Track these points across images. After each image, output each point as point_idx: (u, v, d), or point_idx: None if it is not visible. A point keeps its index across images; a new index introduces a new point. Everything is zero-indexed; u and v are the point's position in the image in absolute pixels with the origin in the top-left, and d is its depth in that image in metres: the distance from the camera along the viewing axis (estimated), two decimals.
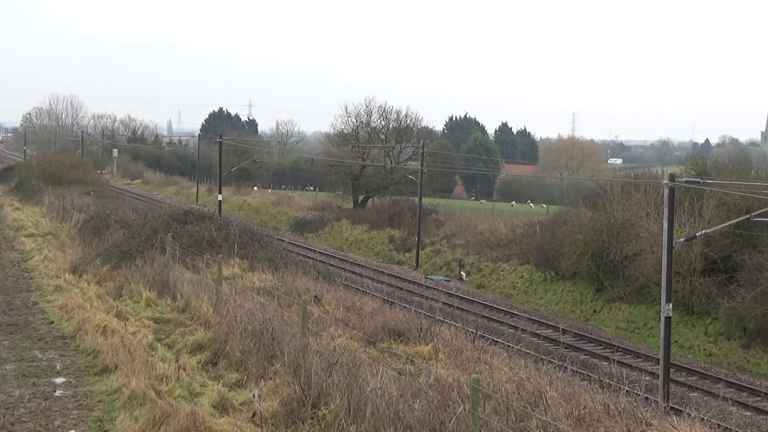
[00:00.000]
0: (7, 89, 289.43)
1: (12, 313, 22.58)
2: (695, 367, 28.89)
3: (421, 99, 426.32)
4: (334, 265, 44.59)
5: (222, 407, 13.56)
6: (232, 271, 25.04)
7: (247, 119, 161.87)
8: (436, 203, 67.52)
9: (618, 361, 26.69)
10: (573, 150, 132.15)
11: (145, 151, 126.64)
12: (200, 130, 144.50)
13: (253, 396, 13.65)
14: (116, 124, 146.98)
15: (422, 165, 56.17)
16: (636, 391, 14.41)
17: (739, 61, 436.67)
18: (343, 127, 74.25)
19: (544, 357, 23.32)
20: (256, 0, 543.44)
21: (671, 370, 24.74)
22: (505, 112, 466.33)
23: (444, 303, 35.46)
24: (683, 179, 26.38)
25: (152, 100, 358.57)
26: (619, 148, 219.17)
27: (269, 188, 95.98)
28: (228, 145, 75.57)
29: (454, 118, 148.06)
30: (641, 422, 12.54)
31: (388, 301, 28.44)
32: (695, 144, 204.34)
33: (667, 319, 23.27)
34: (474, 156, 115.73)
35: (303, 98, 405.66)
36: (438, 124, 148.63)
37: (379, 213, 61.79)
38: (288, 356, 14.81)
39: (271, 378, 14.47)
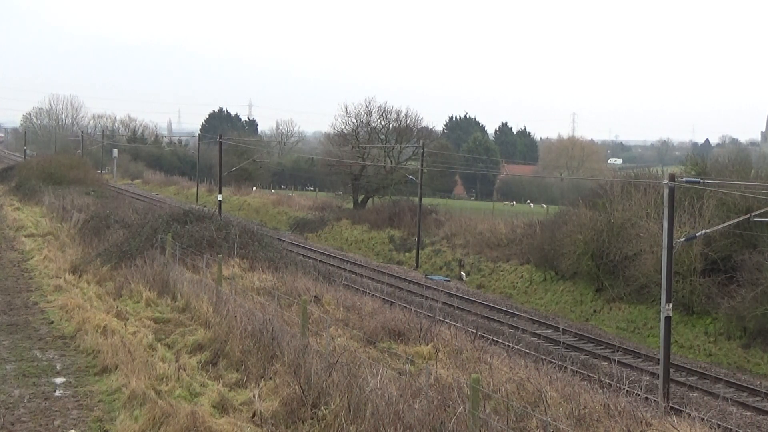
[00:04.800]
0: (7, 89, 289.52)
1: (12, 313, 22.59)
2: (695, 367, 28.89)
3: (421, 99, 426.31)
4: (334, 265, 44.58)
5: (222, 407, 13.56)
6: (232, 271, 25.03)
7: (247, 119, 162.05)
8: (436, 203, 67.53)
9: (618, 361, 26.68)
10: (573, 150, 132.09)
11: (145, 151, 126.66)
12: (200, 130, 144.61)
13: (253, 396, 13.65)
14: (116, 124, 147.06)
15: (422, 165, 56.18)
16: (636, 391, 14.40)
17: (739, 61, 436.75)
18: (343, 127, 74.35)
19: (544, 357, 23.32)
20: (257, 0, 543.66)
21: (671, 370, 24.74)
22: (505, 112, 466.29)
23: (444, 303, 35.46)
24: (683, 179, 26.39)
25: (152, 100, 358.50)
26: (619, 148, 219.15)
27: (269, 188, 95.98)
28: (228, 145, 75.55)
29: (454, 118, 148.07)
30: (641, 422, 12.54)
31: (388, 301, 28.44)
32: (695, 144, 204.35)
33: (667, 319, 23.27)
34: (474, 156, 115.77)
35: (303, 98, 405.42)
36: (438, 124, 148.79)
37: (379, 213, 61.79)
38: (288, 356, 14.82)
39: (271, 378, 14.47)
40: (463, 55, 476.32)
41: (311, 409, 12.69)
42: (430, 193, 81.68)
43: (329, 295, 22.82)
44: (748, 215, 25.55)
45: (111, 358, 16.66)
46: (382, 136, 72.40)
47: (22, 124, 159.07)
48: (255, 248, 29.09)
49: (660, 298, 24.38)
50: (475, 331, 21.28)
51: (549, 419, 11.46)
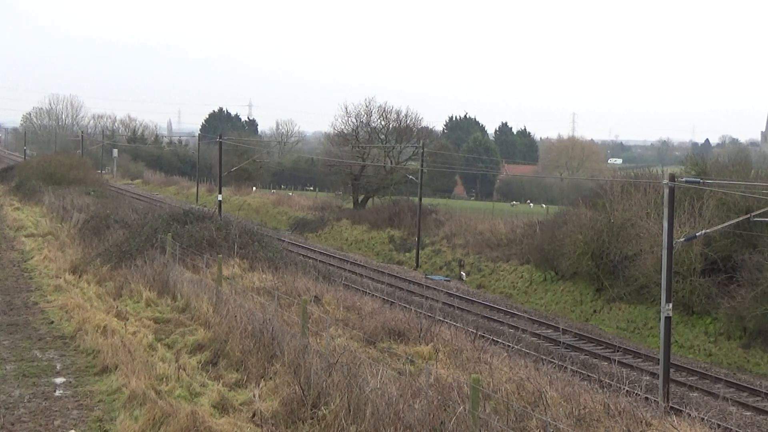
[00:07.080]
0: (7, 89, 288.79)
1: (12, 313, 22.58)
2: (695, 367, 28.90)
3: (421, 99, 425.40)
4: (334, 265, 44.57)
5: (222, 407, 13.56)
6: (232, 271, 25.04)
7: (247, 119, 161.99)
8: (436, 203, 67.54)
9: (618, 361, 26.68)
10: (573, 150, 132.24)
11: (145, 151, 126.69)
12: (200, 130, 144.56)
13: (253, 396, 13.65)
14: (116, 124, 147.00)
15: (422, 165, 56.19)
16: (636, 391, 14.42)
17: (739, 61, 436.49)
18: (343, 127, 74.41)
19: (544, 357, 23.32)
20: (257, 1, 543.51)
21: (671, 370, 24.74)
22: (505, 112, 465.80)
23: (444, 303, 35.45)
24: (683, 179, 26.38)
25: (152, 100, 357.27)
26: (619, 148, 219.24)
27: (269, 188, 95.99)
28: (228, 145, 75.55)
29: (454, 118, 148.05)
30: (641, 422, 12.54)
31: (388, 301, 28.44)
32: (695, 144, 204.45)
33: (667, 319, 23.28)
34: (474, 156, 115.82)
35: (303, 98, 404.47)
36: (438, 124, 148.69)
37: (379, 213, 61.79)
38: (288, 356, 14.82)
39: (271, 378, 14.47)
40: (463, 55, 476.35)
41: (311, 409, 12.70)
42: (430, 193, 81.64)
43: (329, 295, 22.83)
44: (748, 215, 25.55)
45: (111, 358, 16.66)
46: (382, 136, 72.45)
47: (22, 124, 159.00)
48: (255, 248, 29.09)
49: (660, 298, 24.38)
50: (475, 331, 21.28)
51: (549, 419, 11.47)
